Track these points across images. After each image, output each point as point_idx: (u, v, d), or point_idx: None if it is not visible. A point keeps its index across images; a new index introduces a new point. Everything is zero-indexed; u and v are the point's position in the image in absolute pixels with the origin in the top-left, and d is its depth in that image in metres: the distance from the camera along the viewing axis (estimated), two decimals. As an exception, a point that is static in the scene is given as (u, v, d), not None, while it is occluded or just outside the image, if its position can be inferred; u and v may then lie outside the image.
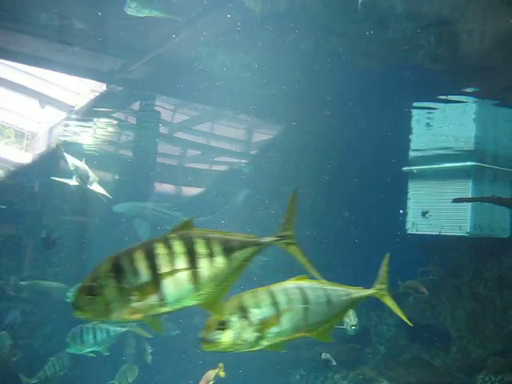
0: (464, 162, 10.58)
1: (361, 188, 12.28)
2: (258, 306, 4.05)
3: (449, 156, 10.91)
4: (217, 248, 3.70)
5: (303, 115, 11.37)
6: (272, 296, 4.12)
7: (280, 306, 4.08)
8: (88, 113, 14.40)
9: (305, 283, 4.32)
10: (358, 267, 12.05)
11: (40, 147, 18.05)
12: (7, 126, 19.62)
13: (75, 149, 16.34)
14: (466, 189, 10.44)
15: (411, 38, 8.29)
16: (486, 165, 10.64)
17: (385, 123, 10.87)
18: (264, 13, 7.81)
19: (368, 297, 4.46)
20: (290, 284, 4.30)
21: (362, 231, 12.41)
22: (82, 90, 14.78)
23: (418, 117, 10.82)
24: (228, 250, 3.75)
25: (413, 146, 11.17)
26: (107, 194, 10.30)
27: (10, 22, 8.96)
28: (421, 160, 11.23)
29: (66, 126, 15.75)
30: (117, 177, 11.59)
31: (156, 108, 13.05)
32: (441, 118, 10.66)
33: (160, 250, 3.51)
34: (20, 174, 18.65)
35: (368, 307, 12.55)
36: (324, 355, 10.38)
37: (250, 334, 3.97)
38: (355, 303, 4.44)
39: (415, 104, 10.43)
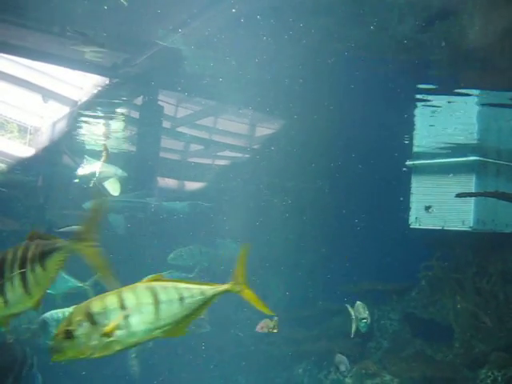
0: (467, 156, 10.56)
1: (364, 182, 12.28)
2: (104, 310, 4.02)
3: (452, 150, 10.89)
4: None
5: (306, 109, 11.35)
6: (120, 298, 4.08)
7: (127, 308, 4.06)
8: (91, 107, 14.40)
9: (157, 283, 4.30)
10: (361, 261, 12.07)
11: (43, 142, 18.08)
12: (10, 120, 19.64)
13: (78, 144, 16.43)
14: (470, 183, 10.41)
15: (415, 30, 8.25)
16: (489, 159, 10.61)
17: (388, 118, 10.85)
18: (267, 5, 7.79)
19: (224, 292, 4.40)
20: (141, 285, 4.27)
21: (364, 226, 12.42)
22: (85, 84, 14.79)
23: (421, 111, 10.79)
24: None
25: (416, 140, 11.17)
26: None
27: (12, 17, 8.95)
28: (424, 154, 11.22)
29: (70, 120, 15.75)
30: (120, 171, 11.56)
31: (159, 102, 13.07)
32: (444, 113, 10.63)
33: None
34: (23, 168, 18.69)
35: (371, 302, 12.56)
36: (338, 358, 10.19)
37: (97, 340, 3.94)
38: (211, 300, 4.39)
39: (418, 97, 10.38)
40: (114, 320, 3.97)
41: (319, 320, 13.20)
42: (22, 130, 20.09)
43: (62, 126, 16.94)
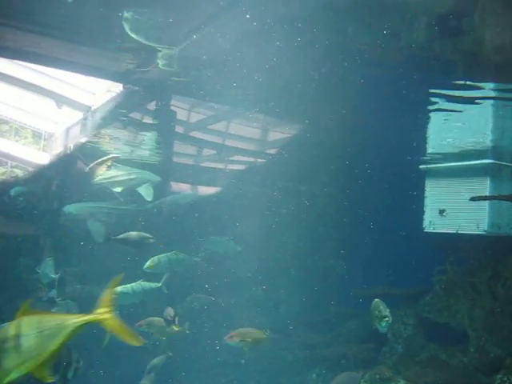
0: (481, 159, 10.49)
1: (377, 186, 12.25)
2: None
3: (466, 154, 10.83)
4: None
5: (319, 114, 11.34)
6: None
7: None
8: (104, 113, 14.49)
9: (18, 319, 4.13)
10: (376, 265, 12.02)
11: (57, 147, 18.22)
12: (25, 126, 19.82)
13: (91, 150, 16.51)
14: (484, 187, 10.35)
15: (428, 34, 8.22)
16: (503, 162, 10.54)
17: (401, 121, 10.82)
18: (280, 11, 7.81)
19: (88, 323, 4.21)
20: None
21: (378, 230, 12.37)
22: (98, 90, 14.90)
23: (434, 114, 10.75)
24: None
25: (430, 143, 11.11)
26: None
27: (26, 24, 9.03)
28: (438, 158, 11.17)
29: (84, 126, 15.86)
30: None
31: (172, 108, 13.12)
32: (458, 116, 10.57)
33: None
34: (38, 174, 18.83)
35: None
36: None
37: None
38: (73, 333, 4.19)
39: (432, 100, 10.33)
40: None
41: (333, 324, 13.17)
42: (37, 136, 20.26)
43: (75, 131, 17.05)
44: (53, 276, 11.36)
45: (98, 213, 12.99)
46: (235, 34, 8.48)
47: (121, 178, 11.33)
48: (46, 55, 10.29)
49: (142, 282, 10.72)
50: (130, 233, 10.35)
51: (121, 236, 9.96)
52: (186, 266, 11.47)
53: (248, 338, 9.61)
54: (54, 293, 11.55)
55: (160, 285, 10.93)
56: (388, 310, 7.99)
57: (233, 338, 9.66)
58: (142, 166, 13.48)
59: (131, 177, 11.37)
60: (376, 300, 8.32)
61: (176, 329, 9.64)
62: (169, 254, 10.90)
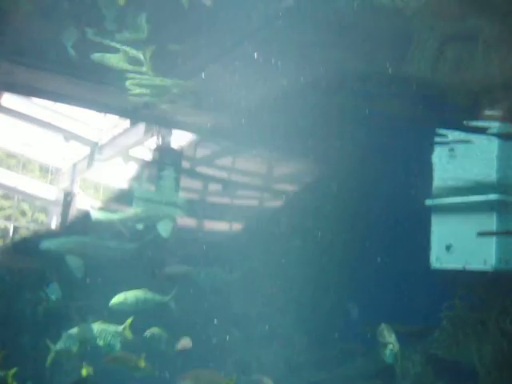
0: (487, 194, 10.48)
1: (383, 222, 12.23)
2: None
3: (472, 189, 10.83)
4: None
5: (325, 151, 11.43)
6: None
7: None
8: (110, 148, 14.64)
9: None
10: (383, 302, 11.91)
11: (64, 182, 18.34)
12: (32, 161, 20.00)
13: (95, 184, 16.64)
14: (491, 222, 10.31)
15: (431, 67, 8.31)
16: (510, 197, 10.52)
17: (407, 156, 10.87)
18: (285, 48, 7.95)
19: None
20: None
21: (385, 266, 12.30)
22: (105, 125, 15.08)
23: (440, 149, 10.80)
24: None
25: (436, 179, 11.13)
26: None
27: (35, 60, 9.20)
28: (444, 193, 11.16)
29: (91, 161, 16.02)
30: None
31: (177, 142, 13.26)
32: (463, 151, 10.62)
33: None
34: (44, 208, 18.93)
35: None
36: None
37: None
38: None
39: (437, 135, 10.41)
40: None
41: (339, 361, 13.00)
42: (44, 170, 20.43)
43: (82, 166, 17.21)
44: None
45: (77, 248, 12.93)
46: (241, 73, 8.62)
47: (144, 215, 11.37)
48: (55, 92, 10.45)
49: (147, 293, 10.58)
50: (173, 266, 10.33)
51: (168, 271, 9.92)
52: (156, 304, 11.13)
53: (202, 382, 9.21)
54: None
55: (168, 299, 10.72)
56: (393, 336, 7.45)
57: (185, 380, 9.21)
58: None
59: (148, 213, 11.37)
60: (382, 325, 7.96)
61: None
62: (137, 291, 10.64)
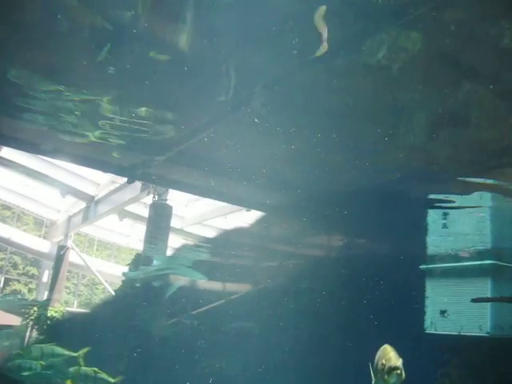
0: (482, 260, 10.48)
1: (377, 287, 12.15)
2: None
3: (466, 254, 10.84)
4: None
5: (320, 216, 11.49)
6: None
7: None
8: (106, 203, 14.69)
9: None
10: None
11: (58, 235, 18.27)
12: (27, 213, 20.01)
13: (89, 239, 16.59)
14: (485, 288, 10.27)
15: (424, 138, 8.46)
16: (504, 263, 10.51)
17: (401, 223, 10.92)
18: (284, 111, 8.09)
19: None
20: None
21: (380, 330, 12.13)
22: (103, 181, 15.17)
23: (433, 216, 10.86)
24: None
25: (429, 244, 11.15)
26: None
27: (38, 118, 9.32)
28: (438, 258, 11.16)
29: (86, 215, 16.05)
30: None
31: (168, 202, 13.34)
32: (457, 217, 10.68)
33: None
34: (36, 261, 18.82)
35: None
36: None
37: None
38: None
39: (430, 202, 10.48)
40: None
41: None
42: (38, 223, 20.41)
43: (77, 220, 17.21)
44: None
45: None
46: (240, 136, 8.75)
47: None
48: (54, 149, 10.54)
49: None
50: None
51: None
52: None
53: None
54: None
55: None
56: (401, 361, 5.79)
57: None
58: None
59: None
60: (385, 346, 6.31)
61: None
62: (46, 346, 10.71)
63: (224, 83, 7.15)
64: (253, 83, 7.17)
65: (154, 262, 12.80)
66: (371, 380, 6.59)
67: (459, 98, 7.30)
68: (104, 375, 10.62)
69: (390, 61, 6.38)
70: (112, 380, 10.68)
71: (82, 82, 7.70)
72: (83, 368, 10.59)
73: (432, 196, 9.97)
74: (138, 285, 13.60)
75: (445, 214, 10.82)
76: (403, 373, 5.77)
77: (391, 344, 11.23)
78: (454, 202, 9.99)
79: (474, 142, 8.36)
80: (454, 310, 10.64)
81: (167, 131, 8.94)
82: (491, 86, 6.92)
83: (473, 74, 6.67)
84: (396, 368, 5.71)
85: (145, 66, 7.04)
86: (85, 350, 10.48)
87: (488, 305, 10.15)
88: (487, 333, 10.16)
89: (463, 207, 9.98)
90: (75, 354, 10.70)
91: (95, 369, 10.59)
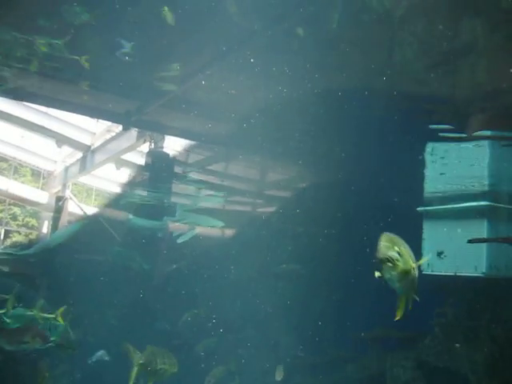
0: (479, 201, 10.53)
1: (375, 228, 12.23)
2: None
3: (463, 196, 10.87)
4: None
5: (317, 156, 11.45)
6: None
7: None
8: (103, 153, 14.62)
9: None
10: (373, 308, 11.92)
11: (56, 186, 18.28)
12: (24, 164, 19.95)
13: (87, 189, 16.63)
14: (482, 229, 10.35)
15: (425, 71, 8.35)
16: (501, 205, 10.57)
17: (398, 164, 10.91)
18: (281, 56, 7.98)
19: None
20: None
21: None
22: (98, 130, 15.07)
23: (431, 156, 10.84)
24: None
25: (427, 186, 11.16)
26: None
27: (29, 66, 9.19)
28: (435, 200, 11.19)
29: (83, 165, 15.99)
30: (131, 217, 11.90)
31: (169, 148, 13.27)
32: (455, 158, 10.67)
33: None
34: (35, 213, 18.87)
35: (384, 349, 12.37)
36: None
37: None
38: None
39: (429, 141, 10.45)
40: None
41: (331, 367, 12.98)
42: (36, 174, 20.37)
43: (74, 170, 17.16)
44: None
45: None
46: (237, 78, 8.64)
47: None
48: (48, 97, 10.42)
49: None
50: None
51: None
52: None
53: None
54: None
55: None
56: (395, 249, 4.80)
57: None
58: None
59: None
60: (384, 234, 5.11)
61: None
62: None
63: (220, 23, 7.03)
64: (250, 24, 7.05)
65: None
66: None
67: (457, 36, 7.22)
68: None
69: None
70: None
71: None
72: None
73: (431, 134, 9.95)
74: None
75: (442, 157, 10.81)
76: (398, 262, 4.79)
77: (387, 288, 11.46)
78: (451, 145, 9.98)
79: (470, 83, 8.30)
80: (451, 252, 10.75)
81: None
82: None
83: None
84: (384, 260, 4.70)
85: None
86: (61, 309, 10.33)
87: (484, 246, 10.25)
88: (482, 273, 10.29)
89: (460, 139, 9.91)
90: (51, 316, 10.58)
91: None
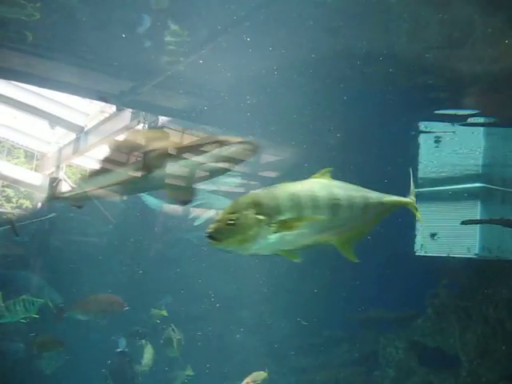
0: (472, 183, 10.56)
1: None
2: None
3: (457, 178, 10.91)
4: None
5: (311, 137, 11.41)
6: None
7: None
8: (96, 134, 14.53)
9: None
10: (367, 289, 11.99)
11: (49, 167, 18.17)
12: (17, 146, 19.80)
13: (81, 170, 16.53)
14: (475, 210, 10.41)
15: (416, 59, 8.32)
16: (494, 186, 10.61)
17: (392, 145, 10.89)
18: (277, 36, 7.90)
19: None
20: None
21: (370, 253, 12.34)
22: (92, 111, 14.94)
23: (425, 138, 10.83)
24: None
25: (421, 167, 11.16)
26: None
27: (21, 45, 9.08)
28: (429, 182, 11.22)
29: (77, 146, 15.89)
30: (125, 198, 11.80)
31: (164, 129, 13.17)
32: (449, 140, 10.66)
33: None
34: (29, 194, 18.76)
35: (377, 329, 12.46)
36: None
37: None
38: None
39: (423, 123, 10.43)
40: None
41: (324, 348, 13.08)
42: (29, 156, 20.24)
43: (68, 151, 17.05)
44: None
45: None
46: (232, 58, 8.57)
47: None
48: (39, 76, 10.31)
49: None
50: None
51: None
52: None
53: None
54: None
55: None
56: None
57: None
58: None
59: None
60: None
61: None
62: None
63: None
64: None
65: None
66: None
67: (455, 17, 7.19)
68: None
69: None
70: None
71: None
72: None
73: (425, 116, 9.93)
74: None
75: (437, 139, 10.80)
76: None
77: (381, 269, 11.53)
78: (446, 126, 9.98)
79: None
80: (444, 233, 10.81)
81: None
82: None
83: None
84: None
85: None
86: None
87: (477, 227, 10.31)
88: (475, 254, 10.38)
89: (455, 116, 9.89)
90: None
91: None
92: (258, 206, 3.44)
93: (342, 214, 3.82)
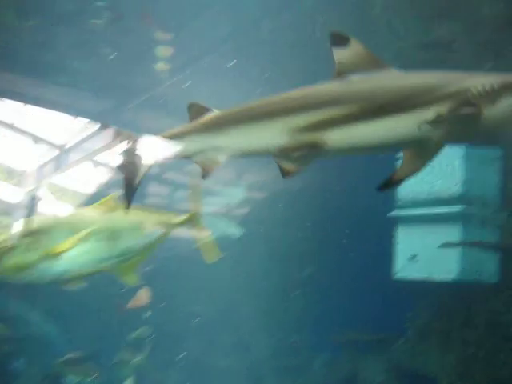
0: (452, 206, 10.62)
1: (347, 233, 12.29)
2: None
3: (437, 200, 10.96)
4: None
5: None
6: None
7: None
8: (77, 152, 14.46)
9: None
10: (347, 311, 11.98)
11: (30, 184, 18.03)
12: (-3, 163, 19.65)
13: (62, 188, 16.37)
14: (454, 233, 10.46)
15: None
16: (473, 209, 10.67)
17: (371, 167, 10.96)
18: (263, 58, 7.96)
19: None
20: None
21: (350, 275, 12.35)
22: (74, 128, 14.89)
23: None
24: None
25: (400, 190, 11.20)
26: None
27: (4, 62, 9.06)
28: (408, 203, 11.24)
29: (58, 163, 15.78)
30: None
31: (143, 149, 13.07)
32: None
33: None
34: (8, 211, 18.55)
35: (357, 351, 12.44)
36: None
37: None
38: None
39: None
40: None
41: (304, 369, 13.00)
42: (9, 172, 20.07)
43: (49, 168, 16.92)
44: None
45: None
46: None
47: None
48: (22, 93, 10.29)
49: None
50: None
51: None
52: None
53: None
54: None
55: None
56: None
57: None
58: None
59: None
60: None
61: None
62: None
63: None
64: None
65: None
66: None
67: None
68: None
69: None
70: None
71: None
72: None
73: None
74: None
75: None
76: None
77: (361, 291, 11.50)
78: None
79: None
80: (424, 256, 10.84)
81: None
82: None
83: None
84: None
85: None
86: None
87: (456, 250, 10.35)
88: (455, 277, 10.40)
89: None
90: None
91: None
92: (30, 232, 3.60)
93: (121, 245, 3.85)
